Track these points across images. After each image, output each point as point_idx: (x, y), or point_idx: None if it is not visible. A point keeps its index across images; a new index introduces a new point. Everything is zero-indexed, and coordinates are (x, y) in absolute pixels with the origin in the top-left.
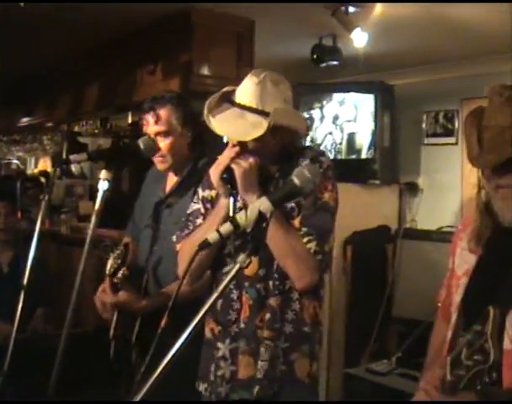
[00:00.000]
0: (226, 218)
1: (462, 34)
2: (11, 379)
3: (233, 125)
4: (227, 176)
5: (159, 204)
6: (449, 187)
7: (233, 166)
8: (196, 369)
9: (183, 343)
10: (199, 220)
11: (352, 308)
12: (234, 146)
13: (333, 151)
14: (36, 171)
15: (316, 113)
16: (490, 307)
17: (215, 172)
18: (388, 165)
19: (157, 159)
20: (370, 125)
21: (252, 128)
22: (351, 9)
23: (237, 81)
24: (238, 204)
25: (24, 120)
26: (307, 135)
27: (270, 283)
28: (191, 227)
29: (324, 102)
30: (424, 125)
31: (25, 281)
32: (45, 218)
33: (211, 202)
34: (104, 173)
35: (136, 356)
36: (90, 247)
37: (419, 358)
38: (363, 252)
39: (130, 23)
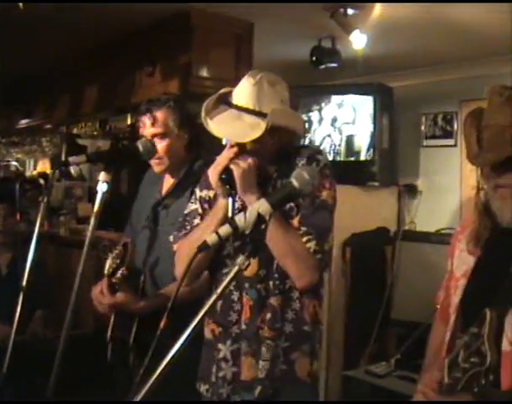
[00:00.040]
0: (225, 218)
1: (461, 36)
2: (10, 381)
3: (231, 127)
4: (226, 176)
5: (156, 205)
6: (448, 189)
7: (232, 166)
8: (196, 370)
9: (182, 345)
10: (196, 221)
11: (351, 310)
12: (232, 146)
13: (331, 152)
14: (35, 173)
15: (314, 115)
16: (487, 309)
17: (213, 173)
18: (387, 167)
19: (153, 161)
20: (369, 127)
21: (250, 129)
22: (350, 11)
23: (236, 82)
24: (237, 205)
25: (23, 122)
26: (305, 135)
27: (271, 283)
28: (188, 227)
29: (323, 104)
30: (422, 127)
31: (24, 283)
32: (44, 220)
33: (209, 202)
34: (102, 175)
35: (133, 358)
36: (89, 249)
37: (418, 360)
38: (362, 253)
39: (128, 24)
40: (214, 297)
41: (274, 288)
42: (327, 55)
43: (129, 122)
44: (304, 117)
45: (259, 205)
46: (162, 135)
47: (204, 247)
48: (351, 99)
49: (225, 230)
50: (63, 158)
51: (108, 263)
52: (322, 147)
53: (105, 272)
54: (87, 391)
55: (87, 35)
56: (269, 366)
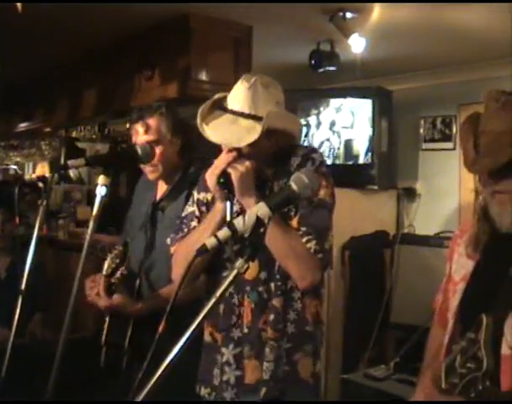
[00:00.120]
0: (222, 222)
1: (460, 40)
2: (9, 384)
3: (227, 132)
4: (224, 180)
5: (151, 210)
6: (446, 192)
7: (230, 170)
8: (195, 373)
9: (181, 348)
10: (193, 223)
11: (350, 313)
12: (230, 151)
13: (331, 156)
14: (34, 176)
15: (312, 119)
16: (483, 315)
17: (211, 177)
18: (386, 170)
19: (148, 169)
20: (368, 131)
21: (246, 133)
22: (349, 15)
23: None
24: (235, 208)
25: (22, 125)
26: (302, 137)
27: (272, 285)
28: (186, 230)
29: (321, 108)
30: (421, 131)
31: (23, 286)
32: (43, 223)
33: (207, 205)
34: (101, 179)
35: (126, 362)
36: (88, 252)
37: (417, 364)
38: (361, 257)
39: (127, 28)
40: (213, 300)
41: (276, 289)
42: (325, 59)
43: (128, 126)
44: (302, 121)
45: (258, 209)
46: (156, 142)
47: (203, 250)
48: (349, 103)
49: (224, 233)
50: (62, 162)
51: (107, 262)
52: (320, 151)
53: (104, 272)
54: (86, 395)
55: (86, 39)
56: (273, 367)
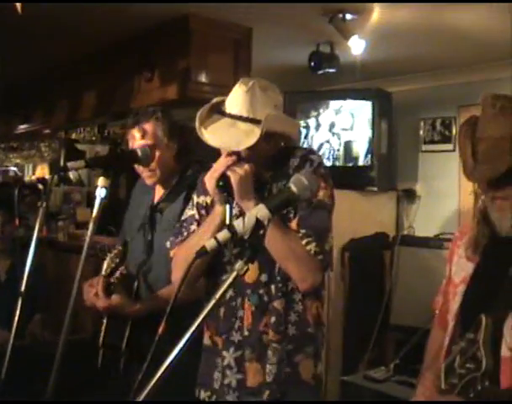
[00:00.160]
0: (222, 225)
1: (460, 41)
2: (9, 385)
3: (226, 136)
4: (223, 183)
5: (149, 212)
6: (446, 193)
7: (229, 173)
8: (194, 375)
9: (180, 351)
10: (193, 227)
11: (350, 315)
12: (229, 154)
13: (330, 158)
14: (34, 178)
15: (312, 121)
16: (482, 315)
17: (210, 180)
18: (386, 172)
19: (146, 174)
20: (368, 132)
21: (245, 136)
22: (348, 16)
23: None
24: (234, 212)
25: (22, 127)
26: (300, 138)
27: (273, 287)
28: (185, 234)
29: (321, 110)
30: (421, 132)
31: (23, 288)
32: (43, 225)
33: (206, 208)
34: (101, 181)
35: (124, 363)
36: (88, 254)
37: (417, 366)
38: (360, 258)
39: (127, 30)
40: (213, 302)
41: (276, 291)
42: (325, 61)
43: (123, 130)
44: (302, 123)
45: (258, 210)
46: (153, 147)
47: (202, 252)
48: (349, 105)
49: (223, 235)
50: (62, 163)
51: (106, 262)
52: (320, 153)
53: (103, 272)
54: (85, 396)
55: (85, 40)
56: (276, 370)
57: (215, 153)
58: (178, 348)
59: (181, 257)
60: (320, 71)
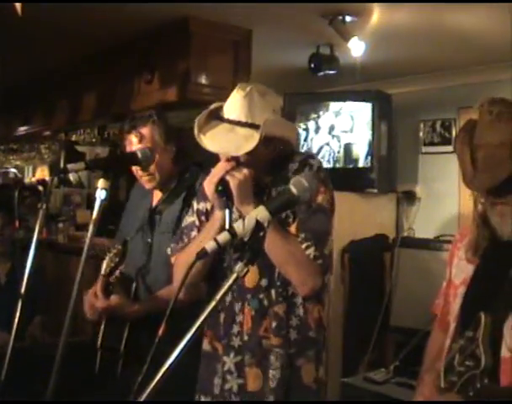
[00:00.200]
0: (221, 230)
1: (460, 43)
2: (9, 386)
3: (225, 141)
4: (222, 188)
5: (148, 215)
6: (446, 195)
7: (228, 178)
8: (193, 378)
9: (179, 354)
10: (193, 233)
11: (350, 316)
12: (228, 159)
13: (330, 160)
14: (34, 180)
15: (311, 124)
16: (481, 313)
17: (209, 185)
18: (385, 174)
19: (144, 178)
20: (368, 134)
21: (244, 141)
22: (348, 18)
23: None
24: (234, 216)
25: (22, 129)
26: (299, 143)
27: (273, 291)
28: (186, 240)
29: (321, 112)
30: (421, 134)
31: (23, 290)
32: (43, 227)
33: (206, 214)
34: (101, 182)
35: (122, 365)
36: (87, 256)
37: (417, 367)
38: (360, 260)
39: (127, 32)
40: (213, 303)
41: (277, 296)
42: (325, 62)
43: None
44: (302, 125)
45: (258, 212)
46: (151, 151)
47: (203, 254)
48: (349, 107)
49: (223, 237)
50: (62, 165)
51: (105, 262)
52: (320, 156)
53: (102, 272)
54: (84, 398)
55: (85, 42)
56: (279, 375)
57: (213, 155)
58: (179, 349)
59: (182, 263)
60: (320, 73)
